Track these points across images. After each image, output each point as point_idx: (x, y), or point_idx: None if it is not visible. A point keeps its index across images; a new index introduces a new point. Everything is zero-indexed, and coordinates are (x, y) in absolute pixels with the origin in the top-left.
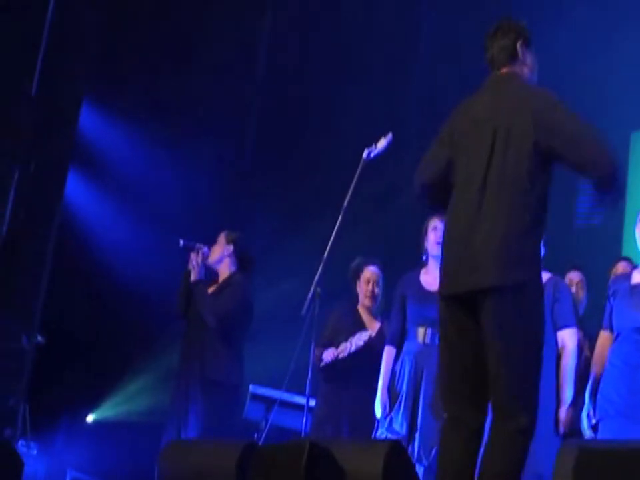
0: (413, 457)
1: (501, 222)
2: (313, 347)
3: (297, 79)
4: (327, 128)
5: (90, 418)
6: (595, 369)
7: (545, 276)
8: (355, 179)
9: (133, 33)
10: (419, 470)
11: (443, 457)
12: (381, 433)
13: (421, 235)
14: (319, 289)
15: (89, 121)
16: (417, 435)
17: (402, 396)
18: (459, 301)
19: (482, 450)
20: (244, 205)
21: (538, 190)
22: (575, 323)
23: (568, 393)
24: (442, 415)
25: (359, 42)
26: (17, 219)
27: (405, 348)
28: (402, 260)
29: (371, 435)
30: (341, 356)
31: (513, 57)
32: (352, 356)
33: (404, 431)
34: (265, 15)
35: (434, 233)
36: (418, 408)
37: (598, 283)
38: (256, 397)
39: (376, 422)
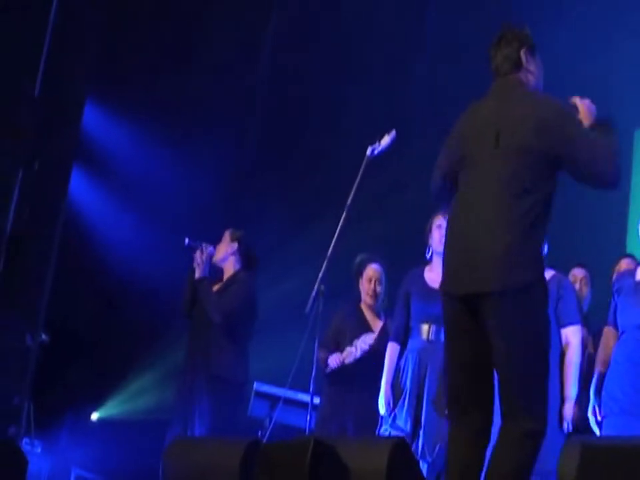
0: (417, 453)
1: (502, 225)
2: (316, 345)
3: (299, 78)
4: (329, 126)
5: (94, 416)
6: (599, 366)
7: (549, 273)
8: (358, 177)
9: (135, 32)
10: (423, 466)
11: (449, 456)
12: (385, 429)
13: (425, 232)
14: (322, 287)
15: (92, 120)
16: (420, 432)
17: (406, 393)
18: (461, 301)
19: (490, 451)
20: (247, 203)
21: (541, 194)
22: (579, 320)
23: (572, 390)
24: (445, 411)
25: (361, 41)
26: (21, 218)
27: (409, 345)
28: (406, 257)
29: (378, 433)
30: (347, 361)
31: (517, 66)
32: (357, 360)
33: (408, 427)
34: (267, 14)
35: (438, 230)
36: (422, 405)
37: (602, 280)
38: (260, 395)
39: (380, 419)
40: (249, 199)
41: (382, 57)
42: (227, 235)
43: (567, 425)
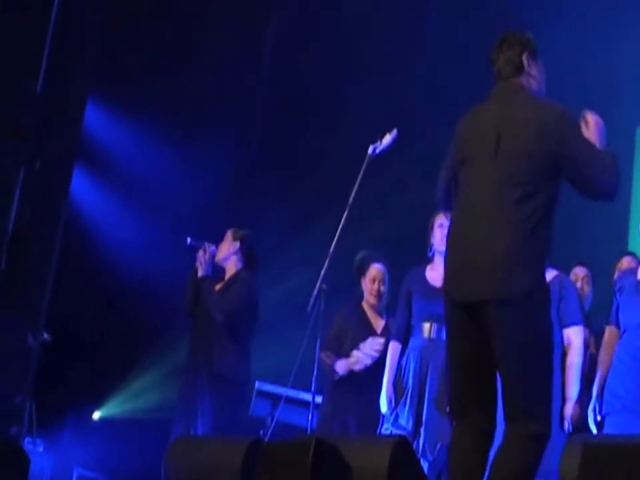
0: (418, 452)
1: (503, 230)
2: (318, 344)
3: (300, 78)
4: (330, 126)
5: (96, 415)
6: (601, 366)
7: (551, 274)
8: (360, 175)
9: (137, 32)
10: (424, 465)
11: (452, 458)
12: (386, 428)
13: (426, 231)
14: (324, 286)
15: (94, 119)
16: (422, 430)
17: (408, 391)
18: (462, 306)
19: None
20: (248, 202)
21: (542, 199)
22: (581, 320)
23: (573, 390)
24: (446, 409)
25: (361, 40)
26: (22, 217)
27: (410, 343)
28: (407, 256)
29: (379, 432)
30: (356, 369)
31: (518, 69)
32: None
33: (410, 426)
34: (269, 13)
35: (440, 229)
36: (423, 403)
37: (603, 278)
38: (262, 394)
39: (381, 418)
40: (250, 199)
41: (382, 56)
42: (229, 234)
43: (567, 425)
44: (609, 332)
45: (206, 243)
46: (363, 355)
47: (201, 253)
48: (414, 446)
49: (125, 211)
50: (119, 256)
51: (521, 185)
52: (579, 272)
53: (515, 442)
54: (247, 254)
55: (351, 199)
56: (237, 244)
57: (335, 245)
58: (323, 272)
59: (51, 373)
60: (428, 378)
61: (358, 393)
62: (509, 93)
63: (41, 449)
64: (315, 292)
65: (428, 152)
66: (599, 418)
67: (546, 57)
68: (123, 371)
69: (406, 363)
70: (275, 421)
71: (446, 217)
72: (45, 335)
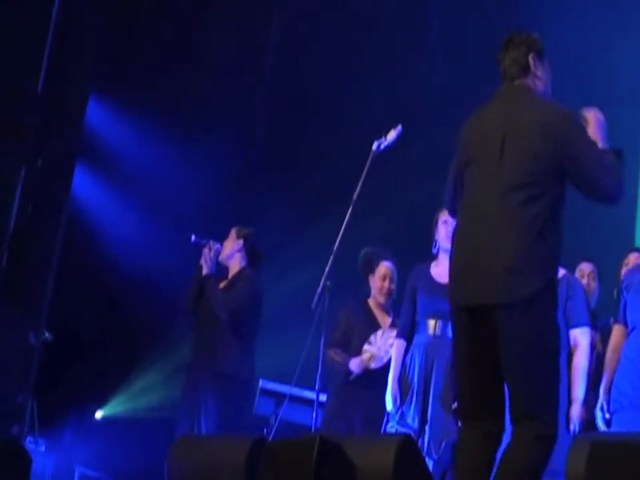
0: (423, 450)
1: (509, 233)
2: (322, 342)
3: (303, 76)
4: (333, 124)
5: (98, 414)
6: (609, 364)
7: (559, 272)
8: (364, 172)
9: (140, 29)
10: (429, 463)
11: (458, 457)
12: (392, 426)
13: (430, 227)
14: (328, 283)
15: (96, 117)
16: (427, 428)
17: (413, 389)
18: (468, 310)
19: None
20: (252, 200)
21: (548, 201)
22: (588, 322)
23: (579, 392)
24: (451, 407)
25: (363, 39)
26: (23, 216)
27: (415, 340)
28: (411, 253)
29: (384, 430)
30: (373, 366)
31: (524, 70)
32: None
33: (415, 424)
34: (270, 13)
35: (444, 226)
36: (428, 401)
37: (610, 274)
38: (265, 392)
39: (387, 415)
40: (253, 197)
41: (383, 56)
42: (233, 233)
43: (573, 426)
44: (617, 330)
45: (210, 241)
46: (377, 349)
47: (205, 250)
48: (419, 444)
49: (127, 210)
50: (121, 254)
51: (526, 187)
52: (585, 268)
53: (521, 443)
54: (251, 252)
55: (355, 195)
56: (241, 242)
57: (339, 241)
58: (327, 269)
59: (53, 372)
60: (433, 375)
61: (364, 391)
62: (515, 94)
63: (42, 448)
64: (319, 289)
65: (430, 150)
66: (607, 416)
67: (549, 56)
68: (125, 369)
69: (411, 360)
70: (278, 419)
71: None
72: (47, 334)
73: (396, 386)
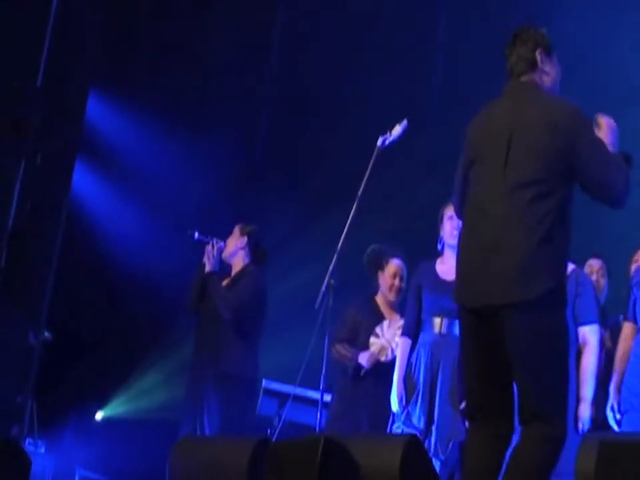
0: (429, 450)
1: (516, 232)
2: (327, 340)
3: (307, 72)
4: (337, 121)
5: (99, 415)
6: (619, 363)
7: (568, 268)
8: (369, 168)
9: (142, 26)
10: (436, 464)
11: (466, 458)
12: (397, 426)
13: (435, 224)
14: (332, 281)
15: (97, 113)
16: (433, 428)
17: (419, 388)
18: (474, 311)
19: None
20: (255, 197)
21: (557, 199)
22: (597, 319)
23: (588, 391)
24: (459, 407)
25: (368, 35)
26: (22, 214)
27: (420, 339)
28: (417, 250)
29: (390, 431)
30: (383, 359)
31: (532, 66)
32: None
33: (422, 424)
34: (274, 11)
35: (450, 222)
36: (435, 400)
37: (619, 270)
38: (269, 392)
39: (392, 416)
40: (257, 193)
41: (386, 53)
42: (236, 230)
43: (582, 426)
44: (627, 328)
45: (213, 238)
46: (385, 341)
47: (208, 248)
48: (425, 445)
49: (128, 208)
50: (122, 252)
51: (534, 184)
52: (594, 264)
53: (529, 445)
54: (255, 249)
55: (360, 192)
56: (245, 239)
57: (344, 239)
58: (331, 267)
59: (53, 372)
60: (439, 374)
61: (370, 390)
62: (521, 91)
63: (42, 449)
64: (323, 288)
65: (433, 148)
66: (618, 416)
67: (558, 53)
68: (126, 369)
69: (416, 359)
70: (282, 420)
71: None
72: (46, 334)
73: (401, 386)
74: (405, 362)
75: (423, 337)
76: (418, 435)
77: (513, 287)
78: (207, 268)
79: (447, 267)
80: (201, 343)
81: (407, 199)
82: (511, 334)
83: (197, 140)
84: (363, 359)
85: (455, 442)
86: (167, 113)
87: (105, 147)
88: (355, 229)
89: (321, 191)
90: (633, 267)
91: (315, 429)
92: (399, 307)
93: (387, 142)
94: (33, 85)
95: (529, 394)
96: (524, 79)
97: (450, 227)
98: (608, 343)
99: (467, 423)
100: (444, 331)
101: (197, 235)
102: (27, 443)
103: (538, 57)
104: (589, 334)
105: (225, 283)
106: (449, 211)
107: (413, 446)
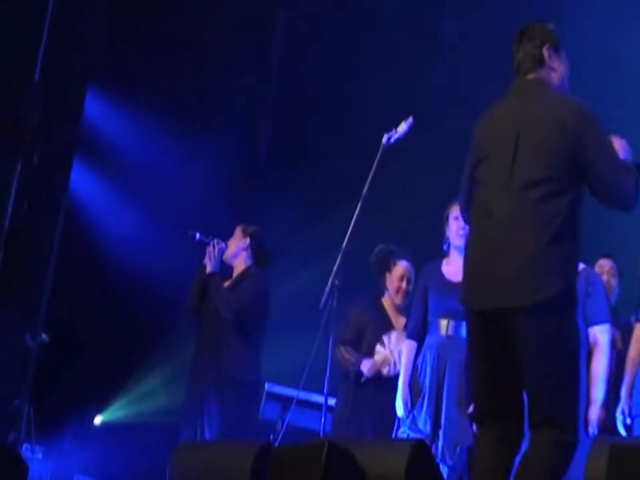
0: (437, 456)
1: (525, 232)
2: (331, 342)
3: (311, 72)
4: (340, 120)
5: (98, 419)
6: (631, 365)
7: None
8: (374, 166)
9: (143, 24)
10: (443, 470)
11: (474, 463)
12: (403, 431)
13: (439, 223)
14: (337, 281)
15: (96, 112)
16: (440, 433)
17: (425, 392)
18: (481, 314)
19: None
20: (256, 196)
21: (567, 199)
22: (608, 319)
23: (599, 393)
24: (466, 411)
25: (372, 31)
26: (20, 213)
27: (426, 341)
28: (423, 250)
29: (395, 435)
30: (385, 373)
31: (539, 63)
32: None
33: (428, 429)
34: (278, 7)
35: (456, 222)
36: (442, 404)
37: (630, 270)
38: (272, 396)
39: (397, 421)
40: (257, 193)
41: (390, 53)
42: (238, 231)
43: (592, 429)
44: (638, 329)
45: (215, 239)
46: (390, 354)
47: (209, 248)
48: (432, 450)
49: (127, 207)
50: (122, 253)
51: (542, 183)
52: (604, 264)
53: (539, 450)
54: (257, 250)
55: (364, 191)
56: (247, 240)
57: (348, 238)
58: (335, 267)
59: (50, 375)
60: (446, 377)
61: (375, 393)
62: (528, 89)
63: (39, 455)
64: (328, 288)
65: (438, 147)
66: (628, 421)
67: (571, 52)
68: (125, 372)
69: (422, 362)
70: (285, 424)
71: None
72: (44, 336)
73: (407, 390)
74: (411, 365)
75: (429, 340)
76: (425, 439)
77: (522, 289)
78: (208, 269)
79: (453, 268)
80: (202, 345)
81: (411, 199)
82: (520, 337)
83: (197, 139)
84: (365, 366)
85: (462, 447)
86: (167, 112)
87: (104, 145)
88: (360, 227)
89: (322, 190)
90: None
91: (319, 433)
92: (406, 310)
93: (392, 139)
94: (30, 83)
95: (539, 398)
96: (531, 76)
97: (456, 227)
98: (619, 344)
99: (474, 427)
100: (450, 333)
101: (198, 235)
102: (24, 448)
103: (545, 54)
104: (600, 334)
105: (226, 284)
106: (455, 211)
107: (420, 451)
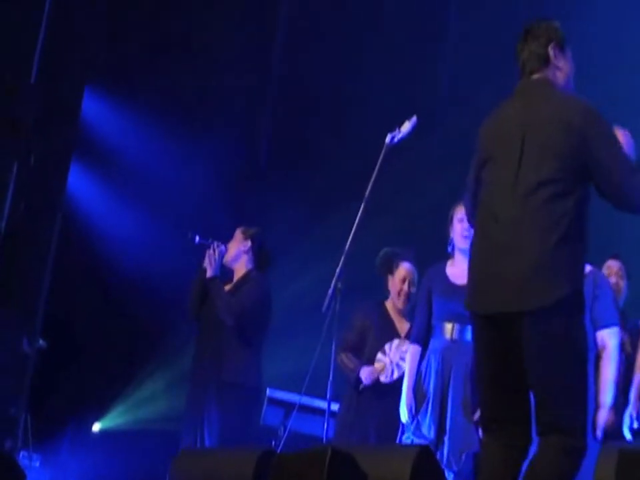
0: (442, 462)
1: (532, 234)
2: (334, 347)
3: (311, 71)
4: (341, 120)
5: (96, 427)
6: (639, 369)
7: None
8: (377, 166)
9: (142, 22)
10: (449, 476)
11: (481, 470)
12: (407, 437)
13: (442, 225)
14: (339, 285)
15: (94, 112)
16: (445, 439)
17: (429, 397)
18: (487, 318)
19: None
20: (257, 198)
21: (574, 200)
22: (617, 321)
23: (607, 397)
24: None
25: (375, 30)
26: (16, 215)
27: (431, 345)
28: (425, 251)
29: (399, 441)
30: (382, 380)
31: (544, 62)
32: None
33: (432, 434)
34: (279, 5)
35: (460, 224)
36: (446, 409)
37: (639, 272)
38: (273, 402)
39: (401, 426)
40: (257, 194)
41: (392, 52)
42: (238, 233)
43: (600, 433)
44: None
45: (215, 241)
46: (389, 361)
47: (209, 252)
48: (437, 456)
49: (126, 208)
50: (120, 256)
51: (549, 184)
52: (612, 265)
53: (547, 455)
54: (258, 253)
55: (367, 191)
56: (248, 243)
57: (351, 240)
58: (338, 270)
59: (48, 382)
60: (451, 382)
61: (379, 398)
62: (533, 89)
63: (37, 463)
64: (330, 291)
65: (441, 148)
66: (635, 425)
67: (576, 51)
68: (124, 378)
69: (426, 366)
70: (287, 430)
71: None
72: (41, 341)
73: (411, 395)
74: (415, 370)
75: (433, 343)
76: (429, 445)
77: (528, 292)
78: (209, 273)
79: (457, 270)
80: (202, 350)
81: (413, 200)
82: (526, 341)
83: (197, 139)
84: (364, 373)
85: (468, 453)
86: (167, 112)
87: (104, 146)
88: (363, 229)
89: (322, 191)
90: None
91: (322, 439)
92: (410, 315)
93: (395, 139)
94: (27, 82)
95: (547, 404)
96: (536, 76)
97: (460, 229)
98: (627, 348)
99: (480, 433)
100: (455, 336)
101: (197, 238)
102: (21, 456)
103: (551, 53)
104: (608, 337)
105: (227, 288)
106: (459, 213)
107: (424, 457)
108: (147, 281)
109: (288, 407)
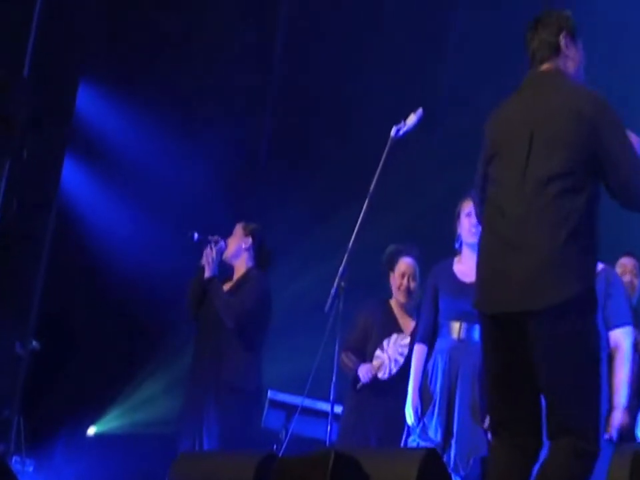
0: (449, 466)
1: (541, 231)
2: (337, 348)
3: (313, 69)
4: (344, 116)
5: (91, 430)
6: None
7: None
8: (382, 160)
9: (141, 18)
10: None
11: (490, 473)
12: (413, 440)
13: (448, 221)
14: (343, 284)
15: (90, 107)
16: (452, 442)
17: (436, 399)
18: (495, 318)
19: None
20: (258, 195)
21: (584, 195)
22: (630, 321)
23: (621, 398)
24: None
25: (377, 29)
26: (8, 213)
27: (437, 345)
28: (433, 248)
29: (405, 445)
30: (380, 377)
31: (555, 51)
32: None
33: (439, 437)
34: (280, 3)
35: (468, 219)
36: (454, 411)
37: None
38: (275, 404)
39: (407, 429)
40: (258, 193)
41: (394, 50)
42: (238, 229)
43: (614, 434)
44: None
45: (214, 237)
46: (387, 357)
47: (207, 250)
48: (444, 460)
49: (123, 207)
50: (119, 254)
51: (559, 178)
52: (626, 263)
53: (559, 459)
54: (259, 251)
55: (372, 187)
56: (249, 239)
57: (355, 238)
58: (341, 269)
59: (41, 384)
60: (458, 383)
61: (378, 396)
62: (543, 79)
63: (30, 468)
64: (333, 290)
65: (445, 144)
66: None
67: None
68: (121, 380)
69: (433, 367)
70: (289, 433)
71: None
72: (34, 343)
73: (416, 397)
74: (421, 370)
75: (440, 343)
76: (436, 449)
77: (538, 291)
78: (207, 273)
79: (465, 268)
80: (201, 350)
81: (414, 200)
82: (536, 341)
83: (197, 138)
84: (362, 371)
85: (476, 457)
86: (167, 111)
87: (103, 144)
88: (367, 227)
89: (322, 190)
90: None
91: (325, 443)
92: (415, 312)
93: (401, 132)
94: (19, 78)
95: (558, 406)
96: (546, 65)
97: (468, 224)
98: None
99: (489, 436)
100: (463, 336)
101: (196, 235)
102: (13, 460)
103: (562, 42)
104: (621, 337)
105: (226, 287)
106: (466, 208)
107: (431, 461)
108: (145, 281)
109: (290, 409)
